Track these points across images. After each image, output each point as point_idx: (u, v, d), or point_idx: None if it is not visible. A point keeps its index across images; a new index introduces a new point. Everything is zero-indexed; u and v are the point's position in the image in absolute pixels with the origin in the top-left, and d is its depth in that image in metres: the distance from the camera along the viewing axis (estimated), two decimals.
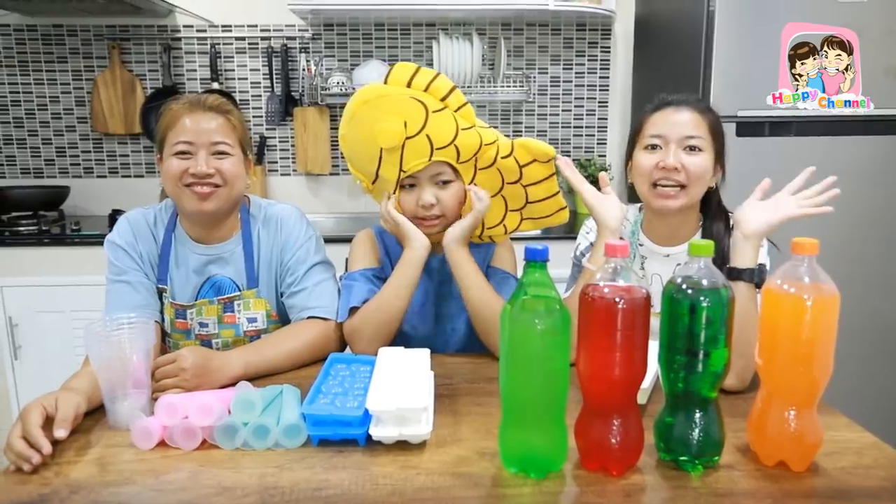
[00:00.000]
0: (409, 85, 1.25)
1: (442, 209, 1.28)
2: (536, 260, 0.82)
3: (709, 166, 1.24)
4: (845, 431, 0.97)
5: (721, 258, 1.18)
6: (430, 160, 1.24)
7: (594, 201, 1.26)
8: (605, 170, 2.77)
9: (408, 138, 1.22)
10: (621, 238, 1.25)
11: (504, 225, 1.37)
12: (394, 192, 1.29)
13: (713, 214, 1.30)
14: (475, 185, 1.31)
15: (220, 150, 1.27)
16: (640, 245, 1.34)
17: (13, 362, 2.27)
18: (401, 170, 1.25)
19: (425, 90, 1.25)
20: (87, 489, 0.83)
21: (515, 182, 1.31)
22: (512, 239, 1.46)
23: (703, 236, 1.28)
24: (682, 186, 1.23)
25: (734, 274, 1.12)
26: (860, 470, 0.86)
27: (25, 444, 0.88)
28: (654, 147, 1.25)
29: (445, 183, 1.28)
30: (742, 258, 1.13)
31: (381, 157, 1.25)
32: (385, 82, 1.26)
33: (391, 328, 1.27)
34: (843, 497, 0.80)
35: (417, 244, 1.28)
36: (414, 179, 1.27)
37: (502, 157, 1.29)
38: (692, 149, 1.22)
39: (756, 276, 1.11)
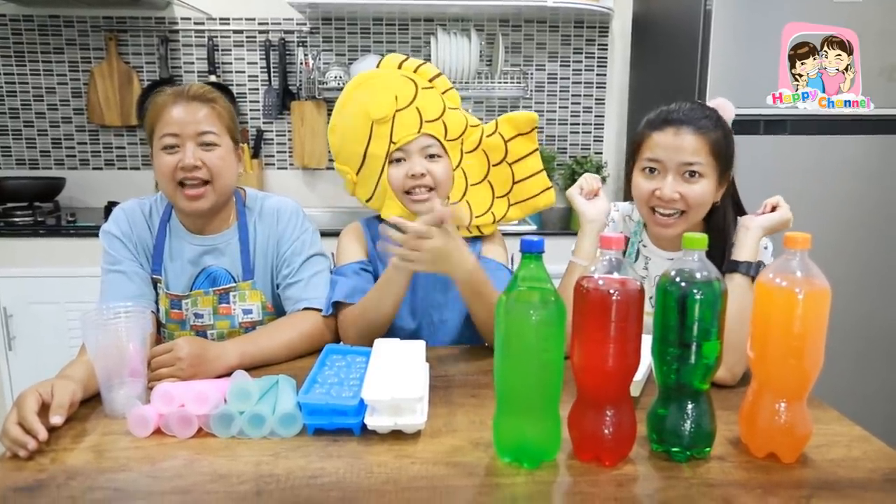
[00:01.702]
0: (399, 67, 1.33)
1: (433, 181, 1.29)
2: (532, 251, 0.82)
3: (709, 191, 1.17)
4: (835, 425, 0.98)
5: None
6: (419, 132, 1.27)
7: (577, 199, 1.31)
8: (602, 167, 2.78)
9: (398, 110, 1.27)
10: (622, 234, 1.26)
11: (492, 213, 1.38)
12: (382, 169, 1.29)
13: (717, 222, 1.24)
14: (462, 169, 1.33)
15: (206, 141, 1.27)
16: (644, 246, 1.33)
17: (7, 353, 2.27)
18: (391, 141, 1.27)
19: (414, 72, 1.33)
20: (83, 476, 0.84)
21: (501, 161, 1.35)
22: (508, 234, 1.46)
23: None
24: (682, 212, 1.19)
25: (731, 266, 1.13)
26: (848, 462, 0.87)
27: (21, 431, 0.88)
28: (652, 170, 1.20)
29: (434, 157, 1.29)
30: (741, 250, 1.15)
31: (370, 134, 1.28)
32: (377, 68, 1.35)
33: (377, 332, 1.25)
34: (832, 488, 0.81)
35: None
36: (403, 153, 1.29)
37: (487, 136, 1.35)
38: (692, 174, 1.17)
39: (753, 270, 1.13)
